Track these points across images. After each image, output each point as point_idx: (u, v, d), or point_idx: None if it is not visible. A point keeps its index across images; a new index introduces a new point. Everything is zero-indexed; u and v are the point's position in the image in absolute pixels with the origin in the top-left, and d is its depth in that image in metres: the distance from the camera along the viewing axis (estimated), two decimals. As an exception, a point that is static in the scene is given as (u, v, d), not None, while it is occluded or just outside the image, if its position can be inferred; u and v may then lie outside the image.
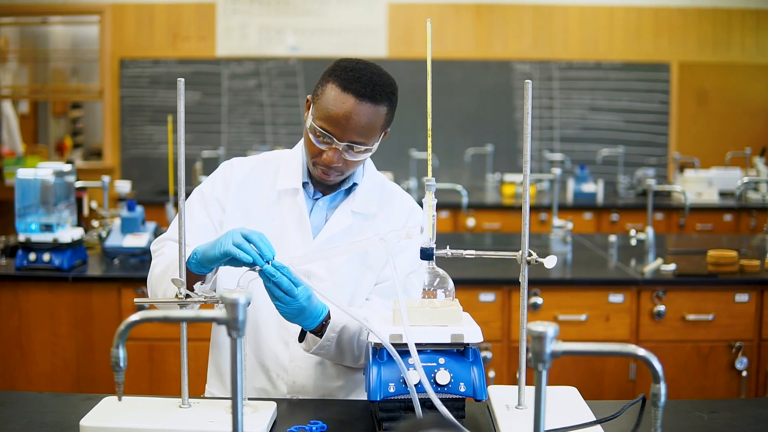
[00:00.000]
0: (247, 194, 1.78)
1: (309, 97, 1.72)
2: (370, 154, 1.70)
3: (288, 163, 1.79)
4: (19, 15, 7.19)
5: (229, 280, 1.70)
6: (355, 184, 1.79)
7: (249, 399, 1.56)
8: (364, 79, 1.63)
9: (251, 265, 1.49)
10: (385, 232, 1.51)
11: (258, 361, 1.76)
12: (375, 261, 1.76)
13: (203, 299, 1.48)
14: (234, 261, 1.49)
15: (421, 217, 1.74)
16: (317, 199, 1.79)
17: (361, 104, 1.62)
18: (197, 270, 1.56)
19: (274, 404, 1.54)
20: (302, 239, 1.74)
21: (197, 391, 1.63)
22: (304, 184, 1.78)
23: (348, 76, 1.63)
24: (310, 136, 1.67)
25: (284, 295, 1.50)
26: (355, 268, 1.75)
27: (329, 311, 1.60)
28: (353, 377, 1.79)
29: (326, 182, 1.74)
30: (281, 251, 1.69)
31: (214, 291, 1.65)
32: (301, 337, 1.65)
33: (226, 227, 1.74)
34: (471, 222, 5.24)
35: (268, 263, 1.49)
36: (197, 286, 1.58)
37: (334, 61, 1.71)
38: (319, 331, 1.60)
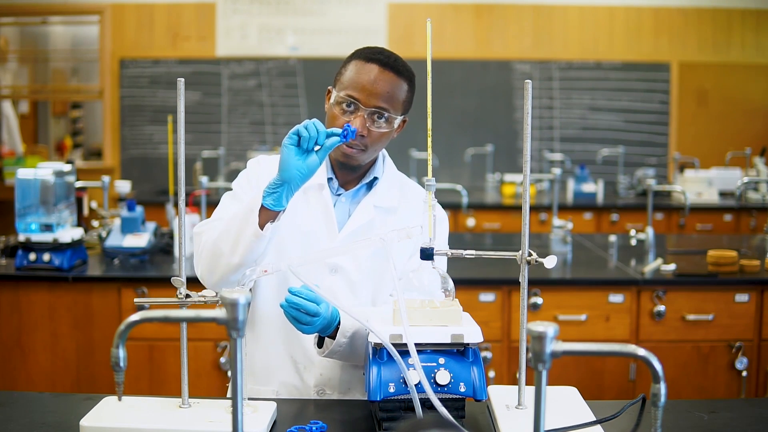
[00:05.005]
0: None
1: (330, 87, 1.78)
2: (390, 131, 1.73)
3: None
4: (19, 15, 7.18)
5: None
6: (375, 179, 1.82)
7: (251, 398, 1.57)
8: (386, 53, 1.74)
9: (315, 144, 1.56)
10: (386, 231, 1.51)
11: (287, 354, 1.78)
12: (397, 255, 1.77)
13: (203, 300, 1.48)
14: (301, 154, 1.55)
15: (441, 214, 1.78)
16: (339, 194, 1.82)
17: (384, 72, 1.70)
18: (271, 204, 1.58)
19: (274, 404, 1.54)
20: (328, 233, 1.77)
21: (197, 391, 1.63)
22: (328, 180, 1.81)
23: (371, 51, 1.73)
24: (335, 110, 1.72)
25: (310, 318, 1.54)
26: (379, 262, 1.77)
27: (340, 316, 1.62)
28: None
29: (350, 161, 1.75)
30: (308, 245, 1.74)
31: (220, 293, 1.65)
32: (320, 343, 1.67)
33: None
34: (471, 222, 5.24)
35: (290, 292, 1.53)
36: (270, 224, 1.59)
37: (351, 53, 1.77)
38: (334, 335, 1.62)
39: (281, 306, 1.54)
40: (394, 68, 1.70)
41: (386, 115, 1.70)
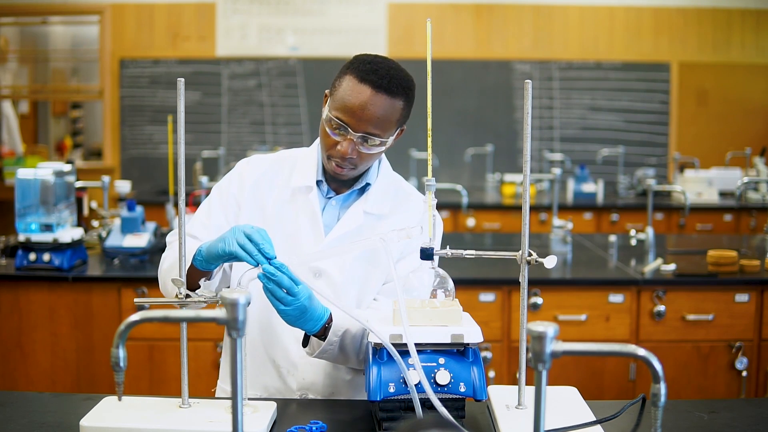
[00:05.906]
0: (263, 191, 1.79)
1: (327, 91, 1.73)
2: (384, 148, 1.70)
3: (303, 161, 1.80)
4: (19, 15, 7.18)
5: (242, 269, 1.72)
6: (368, 185, 1.79)
7: (250, 398, 1.56)
8: (381, 71, 1.64)
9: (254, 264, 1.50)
10: (386, 231, 1.51)
11: (269, 358, 1.76)
12: (382, 259, 1.76)
13: (203, 300, 1.48)
14: (237, 259, 1.51)
15: (437, 221, 1.76)
16: (330, 198, 1.79)
17: (376, 95, 1.63)
18: (203, 267, 1.57)
19: (274, 404, 1.54)
20: (314, 237, 1.74)
21: (197, 391, 1.63)
22: (319, 183, 1.78)
23: (365, 68, 1.65)
24: (326, 127, 1.68)
25: (285, 296, 1.50)
26: (363, 267, 1.75)
27: (331, 314, 1.60)
28: (363, 374, 1.79)
29: (340, 176, 1.73)
30: (293, 248, 1.71)
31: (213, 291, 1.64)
32: (305, 342, 1.65)
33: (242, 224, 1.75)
34: (471, 222, 5.24)
35: (270, 261, 1.49)
36: (202, 282, 1.59)
37: (350, 58, 1.72)
38: (322, 334, 1.60)
39: (258, 277, 1.50)
40: (387, 89, 1.62)
41: (377, 139, 1.66)
